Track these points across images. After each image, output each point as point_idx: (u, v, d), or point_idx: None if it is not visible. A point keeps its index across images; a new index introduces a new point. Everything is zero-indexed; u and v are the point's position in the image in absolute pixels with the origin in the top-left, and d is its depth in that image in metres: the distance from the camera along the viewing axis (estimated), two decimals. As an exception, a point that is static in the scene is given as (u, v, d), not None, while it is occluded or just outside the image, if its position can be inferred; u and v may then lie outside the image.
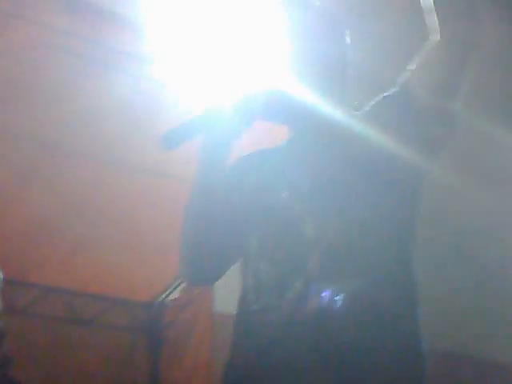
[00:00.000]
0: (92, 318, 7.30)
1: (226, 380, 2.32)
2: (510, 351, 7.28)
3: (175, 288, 7.34)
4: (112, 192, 6.06)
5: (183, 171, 5.18)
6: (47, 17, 4.78)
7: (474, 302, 7.26)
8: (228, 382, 2.31)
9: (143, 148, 5.48)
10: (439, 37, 2.23)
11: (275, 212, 2.30)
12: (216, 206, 2.32)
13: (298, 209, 2.27)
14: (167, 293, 7.46)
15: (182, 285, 7.11)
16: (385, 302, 2.19)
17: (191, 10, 4.77)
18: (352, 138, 2.28)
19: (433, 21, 2.25)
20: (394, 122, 2.27)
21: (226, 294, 7.20)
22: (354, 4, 4.48)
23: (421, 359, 2.22)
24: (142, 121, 5.42)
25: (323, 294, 2.15)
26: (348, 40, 2.42)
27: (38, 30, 4.81)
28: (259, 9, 2.86)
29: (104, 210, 6.20)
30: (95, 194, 6.08)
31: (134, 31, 4.86)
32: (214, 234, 2.33)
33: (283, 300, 2.19)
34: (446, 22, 2.23)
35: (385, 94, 2.35)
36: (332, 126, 2.32)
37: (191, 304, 7.15)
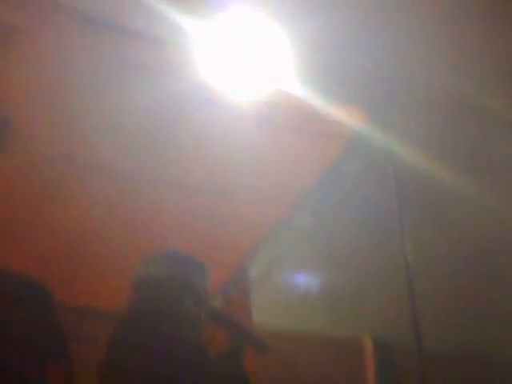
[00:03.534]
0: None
1: None
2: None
3: (214, 300, 7.32)
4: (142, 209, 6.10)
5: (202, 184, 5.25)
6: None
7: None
8: None
9: (167, 162, 5.54)
10: None
11: None
12: None
13: None
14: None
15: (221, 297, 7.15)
16: None
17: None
18: None
19: None
20: None
21: (265, 308, 7.27)
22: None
23: None
24: (166, 135, 5.48)
25: None
26: None
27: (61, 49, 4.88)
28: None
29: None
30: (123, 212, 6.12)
31: (154, 45, 4.91)
32: None
33: None
34: None
35: None
36: None
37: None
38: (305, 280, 7.36)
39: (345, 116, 5.43)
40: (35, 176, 5.64)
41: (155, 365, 2.94)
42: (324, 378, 6.77)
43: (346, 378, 7.34)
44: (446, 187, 5.98)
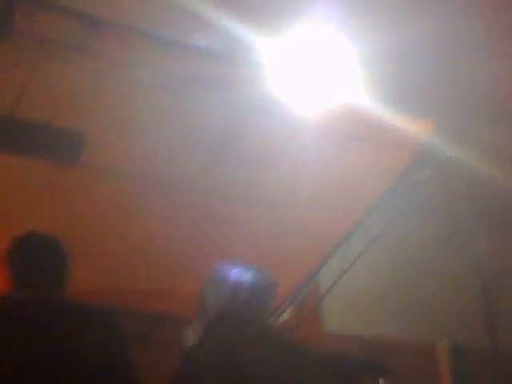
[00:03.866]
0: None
1: None
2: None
3: (285, 309, 7.38)
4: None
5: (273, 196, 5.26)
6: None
7: None
8: None
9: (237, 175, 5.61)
10: None
11: None
12: None
13: None
14: (277, 314, 7.50)
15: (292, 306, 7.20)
16: None
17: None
18: None
19: None
20: None
21: (336, 315, 7.28)
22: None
23: None
24: (234, 149, 5.54)
25: None
26: None
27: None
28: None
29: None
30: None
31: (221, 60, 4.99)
32: None
33: None
34: None
35: None
36: None
37: (302, 325, 7.20)
38: (377, 286, 7.34)
39: (414, 126, 5.41)
40: (106, 192, 5.75)
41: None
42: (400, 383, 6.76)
43: (421, 383, 7.30)
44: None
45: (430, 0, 4.60)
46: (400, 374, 6.67)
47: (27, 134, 5.17)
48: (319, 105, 5.18)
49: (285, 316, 7.40)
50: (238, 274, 3.44)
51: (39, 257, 3.17)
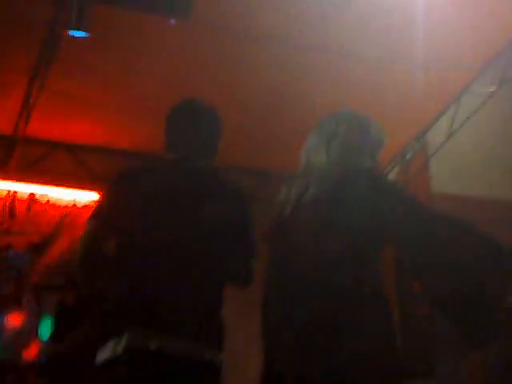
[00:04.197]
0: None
1: None
2: None
3: (392, 169, 7.39)
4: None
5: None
6: None
7: None
8: None
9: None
10: None
11: None
12: None
13: None
14: (385, 173, 7.52)
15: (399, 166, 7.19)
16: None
17: None
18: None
19: None
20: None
21: (443, 174, 7.25)
22: None
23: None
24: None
25: None
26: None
27: None
28: None
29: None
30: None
31: None
32: None
33: None
34: None
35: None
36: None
37: (407, 185, 7.21)
38: (487, 146, 7.22)
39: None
40: (216, 47, 5.77)
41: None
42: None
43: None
44: None
45: None
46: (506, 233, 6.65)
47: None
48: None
49: (392, 176, 7.42)
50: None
51: (193, 125, 3.37)
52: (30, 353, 6.52)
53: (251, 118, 6.60)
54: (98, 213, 3.26)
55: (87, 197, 7.30)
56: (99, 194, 6.93)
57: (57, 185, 7.16)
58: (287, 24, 5.57)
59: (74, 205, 7.42)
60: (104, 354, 3.14)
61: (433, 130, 7.15)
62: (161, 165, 3.39)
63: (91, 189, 7.09)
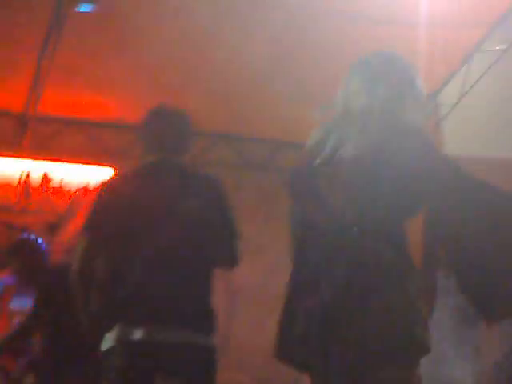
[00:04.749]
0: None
1: None
2: None
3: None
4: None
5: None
6: None
7: None
8: None
9: None
10: None
11: None
12: None
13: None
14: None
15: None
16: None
17: None
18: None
19: None
20: None
21: (455, 136, 7.19)
22: None
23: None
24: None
25: None
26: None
27: None
28: None
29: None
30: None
31: None
32: None
33: None
34: None
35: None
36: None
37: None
38: (500, 107, 7.17)
39: None
40: (225, 19, 5.77)
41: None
42: None
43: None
44: None
45: None
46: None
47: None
48: None
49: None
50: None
51: (167, 127, 3.70)
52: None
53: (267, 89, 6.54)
54: (89, 226, 3.56)
55: (102, 173, 7.31)
56: (113, 169, 6.96)
57: (71, 161, 7.17)
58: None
59: (89, 182, 7.43)
60: (103, 345, 3.42)
61: (444, 91, 7.10)
62: (142, 168, 3.67)
63: (105, 164, 7.10)
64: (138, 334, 3.34)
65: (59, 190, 7.34)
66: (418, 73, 2.73)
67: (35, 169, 7.23)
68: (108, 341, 3.41)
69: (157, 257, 3.44)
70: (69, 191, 7.41)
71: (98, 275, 3.55)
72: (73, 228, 8.00)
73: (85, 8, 5.35)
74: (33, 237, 5.30)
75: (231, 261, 3.62)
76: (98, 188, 3.83)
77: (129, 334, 3.35)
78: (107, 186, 3.69)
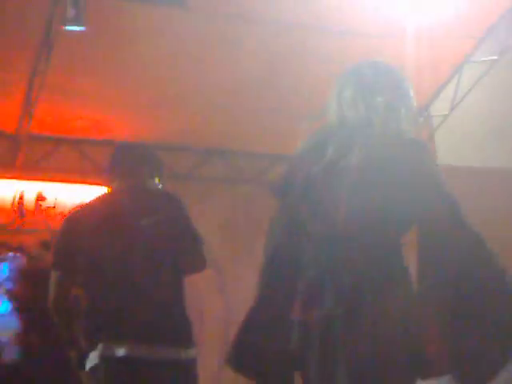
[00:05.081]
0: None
1: None
2: None
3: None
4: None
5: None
6: None
7: None
8: None
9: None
10: None
11: None
12: None
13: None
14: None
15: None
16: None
17: None
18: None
19: None
20: None
21: (448, 146, 7.21)
22: None
23: None
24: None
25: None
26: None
27: None
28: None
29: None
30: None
31: None
32: None
33: None
34: None
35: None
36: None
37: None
38: (492, 117, 7.19)
39: None
40: (213, 34, 5.78)
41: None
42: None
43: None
44: None
45: None
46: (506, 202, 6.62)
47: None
48: None
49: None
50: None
51: (135, 159, 3.97)
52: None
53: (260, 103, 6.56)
54: (57, 261, 3.77)
55: (94, 191, 7.31)
56: (106, 187, 6.97)
57: (64, 181, 7.17)
58: (275, 4, 5.57)
59: (82, 201, 7.43)
60: (87, 364, 3.60)
61: (436, 102, 7.12)
62: (102, 195, 3.99)
63: (98, 183, 7.10)
64: (120, 352, 3.50)
65: (53, 210, 7.33)
66: (411, 84, 2.73)
67: (29, 188, 7.22)
68: (92, 359, 3.57)
69: (128, 276, 3.63)
70: (63, 211, 7.40)
71: (75, 302, 3.76)
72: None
73: (75, 27, 5.36)
74: None
75: (199, 265, 3.84)
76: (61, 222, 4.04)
77: (112, 352, 3.51)
78: (68, 218, 3.90)
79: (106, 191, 4.03)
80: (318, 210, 2.59)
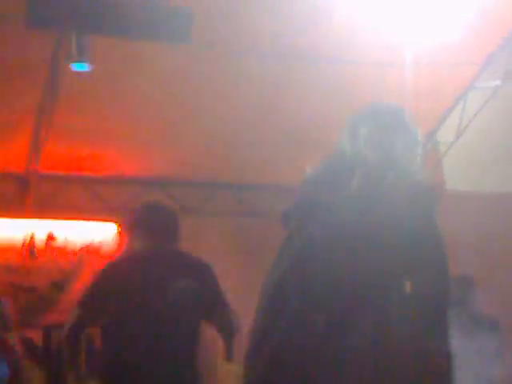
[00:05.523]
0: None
1: None
2: None
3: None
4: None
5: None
6: None
7: None
8: None
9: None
10: None
11: None
12: None
13: None
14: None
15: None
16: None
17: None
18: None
19: None
20: None
21: (455, 172, 7.21)
22: None
23: None
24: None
25: None
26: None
27: None
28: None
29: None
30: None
31: None
32: None
33: None
34: None
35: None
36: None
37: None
38: (499, 142, 7.19)
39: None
40: (217, 70, 5.83)
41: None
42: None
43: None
44: None
45: None
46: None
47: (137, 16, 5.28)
48: None
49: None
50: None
51: (160, 221, 4.16)
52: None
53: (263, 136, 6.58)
54: (84, 302, 4.01)
55: (105, 229, 7.32)
56: (116, 225, 6.98)
57: (74, 219, 7.19)
58: (277, 37, 5.61)
59: (93, 239, 7.43)
60: None
61: (442, 128, 7.13)
62: (137, 254, 4.11)
63: (108, 220, 7.11)
64: None
65: (64, 249, 7.34)
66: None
67: (39, 228, 7.24)
68: None
69: (147, 337, 3.86)
70: (73, 249, 7.41)
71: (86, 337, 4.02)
72: (79, 286, 7.97)
73: (80, 67, 5.41)
74: None
75: (231, 330, 4.03)
76: (100, 269, 4.20)
77: None
78: (106, 270, 4.09)
79: (139, 251, 4.12)
80: (335, 238, 2.58)
